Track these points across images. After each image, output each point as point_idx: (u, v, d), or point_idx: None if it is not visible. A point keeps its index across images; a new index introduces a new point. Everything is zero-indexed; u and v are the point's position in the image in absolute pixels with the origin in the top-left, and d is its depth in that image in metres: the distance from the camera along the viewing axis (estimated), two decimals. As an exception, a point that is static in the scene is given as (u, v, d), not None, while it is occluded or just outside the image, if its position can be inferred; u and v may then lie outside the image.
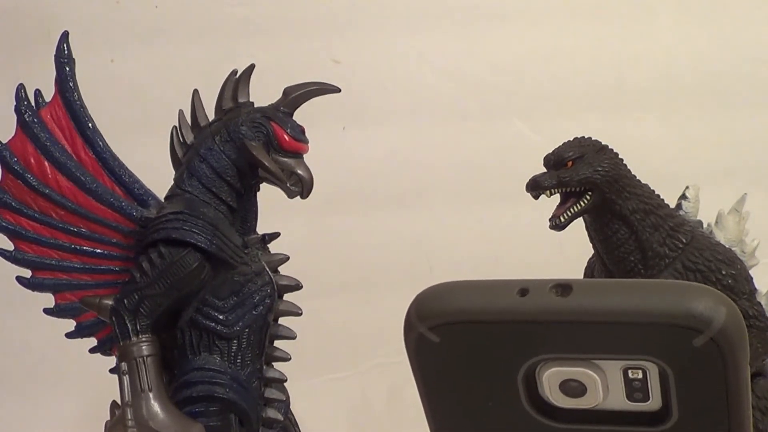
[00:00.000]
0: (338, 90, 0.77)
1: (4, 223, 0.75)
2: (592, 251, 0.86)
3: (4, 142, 0.74)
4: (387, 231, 1.26)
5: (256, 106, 0.76)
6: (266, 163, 0.73)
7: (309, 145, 0.75)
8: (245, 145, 0.73)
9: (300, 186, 0.74)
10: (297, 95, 0.75)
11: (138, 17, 1.25)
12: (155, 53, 1.24)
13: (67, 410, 1.21)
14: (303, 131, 0.75)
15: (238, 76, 0.76)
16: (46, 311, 0.77)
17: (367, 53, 1.27)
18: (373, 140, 1.26)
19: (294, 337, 0.78)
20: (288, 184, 0.74)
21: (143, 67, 1.23)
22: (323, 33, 1.27)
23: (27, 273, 0.76)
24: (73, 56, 0.74)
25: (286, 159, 0.74)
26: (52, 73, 0.74)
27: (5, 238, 0.76)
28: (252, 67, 0.76)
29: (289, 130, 0.74)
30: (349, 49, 1.27)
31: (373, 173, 1.26)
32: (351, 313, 1.22)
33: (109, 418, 0.76)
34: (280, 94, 0.76)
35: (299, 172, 0.73)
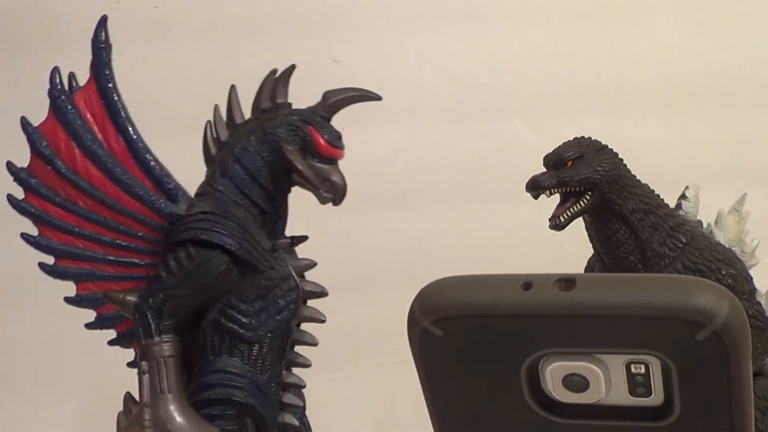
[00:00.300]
0: (379, 98, 0.75)
1: (30, 208, 0.74)
2: (592, 251, 0.86)
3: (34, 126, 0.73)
4: (387, 231, 1.26)
5: (294, 108, 0.75)
6: (301, 169, 0.71)
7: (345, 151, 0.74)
8: (281, 148, 0.72)
9: (333, 192, 0.72)
10: (336, 100, 0.73)
11: (138, 17, 1.25)
12: (155, 53, 1.24)
13: (67, 410, 1.20)
14: (340, 137, 0.73)
15: (277, 75, 0.75)
16: (67, 300, 0.76)
17: (367, 53, 1.27)
18: (373, 140, 1.25)
19: (316, 344, 0.77)
20: (321, 191, 0.72)
21: (143, 67, 1.23)
22: (323, 33, 1.27)
23: (48, 259, 0.76)
24: (111, 42, 0.73)
25: (321, 165, 0.72)
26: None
27: (30, 223, 0.75)
28: (293, 67, 0.75)
29: (326, 136, 0.72)
30: (349, 49, 1.27)
31: (373, 173, 1.25)
32: (351, 313, 1.22)
33: (120, 410, 0.76)
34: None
35: (334, 179, 0.72)
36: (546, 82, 1.28)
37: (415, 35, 1.28)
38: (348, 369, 1.26)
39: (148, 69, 1.23)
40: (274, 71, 0.75)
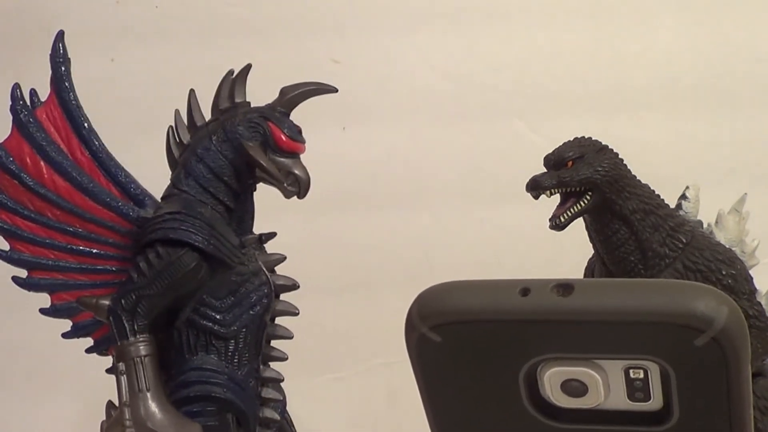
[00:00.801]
0: (335, 90, 0.77)
1: (0, 224, 0.75)
2: (592, 251, 0.86)
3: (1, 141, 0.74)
4: (387, 231, 1.26)
5: (253, 105, 0.76)
6: (263, 164, 0.73)
7: (306, 144, 0.75)
8: (242, 145, 0.73)
9: (297, 186, 0.74)
10: (294, 95, 0.75)
11: (138, 17, 1.25)
12: (155, 53, 1.24)
13: (66, 410, 1.21)
14: (300, 131, 0.75)
15: (234, 75, 0.76)
16: (42, 311, 0.77)
17: (367, 53, 1.27)
18: (373, 140, 1.25)
19: (291, 337, 0.78)
20: (285, 184, 0.74)
21: (143, 67, 1.23)
22: (323, 33, 1.27)
23: (23, 273, 0.76)
24: (69, 56, 0.74)
25: (283, 159, 0.74)
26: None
27: (1, 238, 0.76)
28: (249, 66, 0.76)
29: (286, 130, 0.74)
30: (349, 49, 1.26)
31: (373, 173, 1.26)
32: (351, 313, 1.22)
33: (105, 418, 0.76)
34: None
35: (296, 172, 0.73)
36: (546, 82, 1.28)
37: (415, 35, 1.28)
38: (348, 369, 1.26)
39: (148, 69, 1.24)
40: (231, 72, 0.76)
